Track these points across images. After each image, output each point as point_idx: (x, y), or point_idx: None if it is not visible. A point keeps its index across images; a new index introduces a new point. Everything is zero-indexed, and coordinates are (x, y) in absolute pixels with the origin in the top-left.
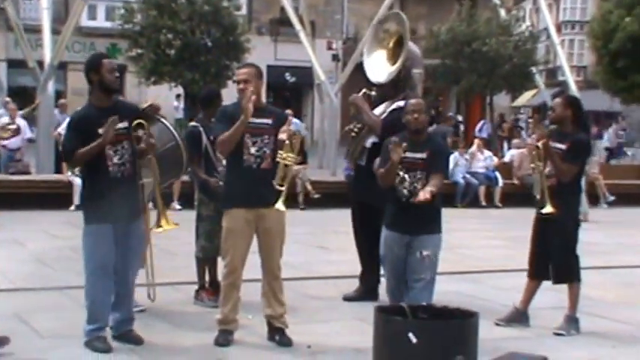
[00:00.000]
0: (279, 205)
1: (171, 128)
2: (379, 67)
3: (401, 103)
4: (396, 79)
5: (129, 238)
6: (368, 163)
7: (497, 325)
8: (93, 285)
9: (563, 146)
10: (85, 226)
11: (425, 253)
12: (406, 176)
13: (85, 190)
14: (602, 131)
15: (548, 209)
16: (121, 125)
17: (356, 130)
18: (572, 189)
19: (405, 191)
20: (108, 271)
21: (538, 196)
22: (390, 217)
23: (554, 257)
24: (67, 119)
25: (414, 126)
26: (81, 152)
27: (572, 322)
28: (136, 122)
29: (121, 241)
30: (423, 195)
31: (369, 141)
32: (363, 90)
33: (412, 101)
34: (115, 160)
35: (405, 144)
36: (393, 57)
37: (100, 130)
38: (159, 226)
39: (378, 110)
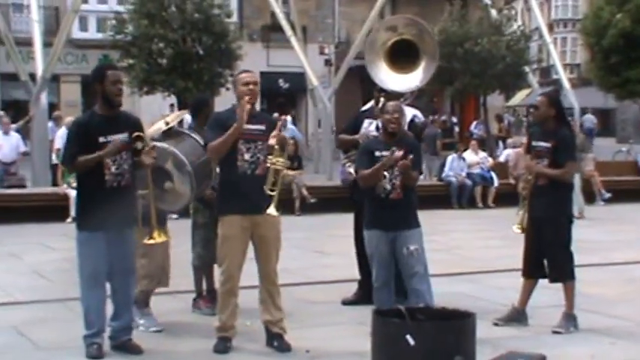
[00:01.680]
0: (272, 210)
1: (202, 142)
2: (390, 76)
3: (416, 112)
4: None
5: (122, 245)
6: None
7: (496, 324)
8: (85, 292)
9: (548, 144)
10: (78, 233)
11: (412, 247)
12: (385, 173)
13: (79, 197)
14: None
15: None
16: (121, 136)
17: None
18: (564, 187)
19: (388, 186)
20: (100, 279)
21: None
22: (371, 216)
23: (549, 256)
24: (62, 131)
25: (392, 127)
26: (81, 160)
27: (570, 320)
28: (135, 135)
29: (115, 248)
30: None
31: None
32: (382, 100)
33: (391, 103)
34: (113, 169)
35: (396, 152)
36: (396, 62)
37: (101, 139)
38: (151, 237)
39: None
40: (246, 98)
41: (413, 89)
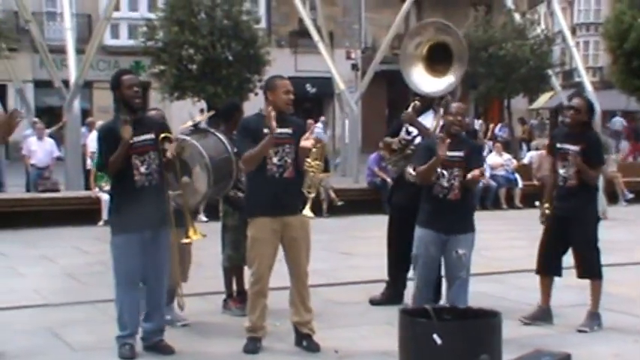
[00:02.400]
0: (307, 211)
1: (225, 142)
2: (425, 79)
3: None
4: None
5: (157, 247)
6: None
7: (521, 323)
8: (120, 294)
9: (577, 147)
10: (112, 237)
11: (460, 251)
12: (445, 172)
13: (112, 201)
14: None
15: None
16: (147, 136)
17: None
18: (591, 187)
19: (445, 183)
20: (135, 281)
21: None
22: (426, 215)
23: (578, 253)
24: (94, 134)
25: (456, 129)
26: (111, 160)
27: (594, 319)
28: (162, 136)
29: (149, 250)
30: (474, 173)
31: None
32: (413, 103)
33: (455, 104)
34: (142, 169)
35: (448, 140)
36: (432, 65)
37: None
38: (187, 236)
39: (427, 122)
40: (270, 109)
41: (442, 92)
